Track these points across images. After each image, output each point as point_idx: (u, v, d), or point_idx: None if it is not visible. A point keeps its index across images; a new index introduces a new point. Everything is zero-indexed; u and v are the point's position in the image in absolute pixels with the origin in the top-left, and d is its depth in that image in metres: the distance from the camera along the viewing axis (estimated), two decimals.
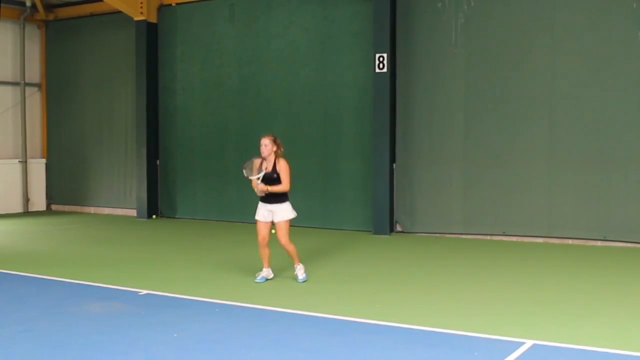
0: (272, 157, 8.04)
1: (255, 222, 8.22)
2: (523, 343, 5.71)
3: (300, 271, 8.31)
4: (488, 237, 11.78)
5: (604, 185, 10.91)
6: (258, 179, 7.95)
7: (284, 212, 8.04)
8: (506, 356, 5.39)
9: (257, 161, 8.07)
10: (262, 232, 8.14)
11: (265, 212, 8.10)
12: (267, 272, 8.37)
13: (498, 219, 11.71)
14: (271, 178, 7.98)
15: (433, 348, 5.69)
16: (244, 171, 8.11)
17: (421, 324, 6.36)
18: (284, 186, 8.00)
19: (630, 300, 7.36)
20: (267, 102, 13.94)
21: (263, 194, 7.98)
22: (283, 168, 8.00)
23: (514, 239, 11.57)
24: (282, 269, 9.01)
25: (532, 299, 7.43)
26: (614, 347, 5.58)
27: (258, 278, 8.30)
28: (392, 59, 12.21)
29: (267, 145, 7.98)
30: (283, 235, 8.04)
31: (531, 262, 9.71)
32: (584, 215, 11.06)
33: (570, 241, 11.20)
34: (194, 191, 14.95)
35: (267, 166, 8.02)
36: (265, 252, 8.27)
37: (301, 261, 8.44)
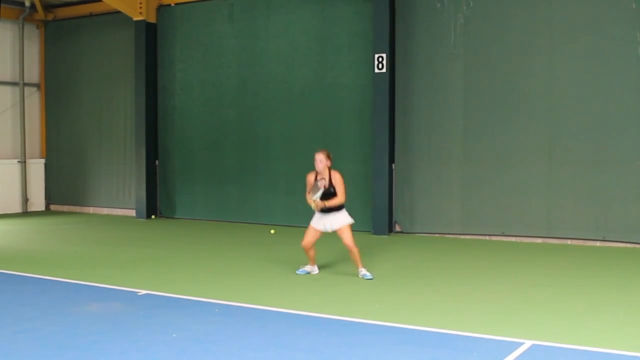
0: (327, 171, 8.28)
1: (308, 226, 8.51)
2: (522, 343, 5.71)
3: (364, 271, 8.50)
4: (487, 238, 11.79)
5: (603, 186, 10.92)
6: (315, 199, 8.20)
7: (342, 219, 8.33)
8: (505, 356, 5.39)
9: (311, 176, 8.32)
10: (309, 236, 8.41)
11: (324, 222, 8.35)
12: (311, 268, 8.71)
13: (497, 219, 11.72)
14: (329, 192, 8.23)
15: (432, 348, 5.69)
16: (312, 196, 8.26)
17: (420, 324, 6.36)
18: (340, 198, 8.26)
19: (629, 300, 7.37)
20: (266, 102, 13.94)
21: (319, 209, 8.24)
22: (339, 181, 8.25)
23: (513, 239, 11.58)
24: (281, 270, 9.02)
25: (531, 299, 7.44)
26: (613, 348, 5.59)
27: (300, 270, 8.65)
28: (391, 59, 12.22)
29: (322, 160, 8.23)
30: (349, 239, 8.28)
31: (530, 262, 9.72)
32: (583, 215, 11.07)
33: (569, 241, 11.21)
34: (193, 191, 14.94)
35: (324, 182, 8.26)
36: (311, 254, 8.56)
37: (364, 265, 8.62)
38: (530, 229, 11.46)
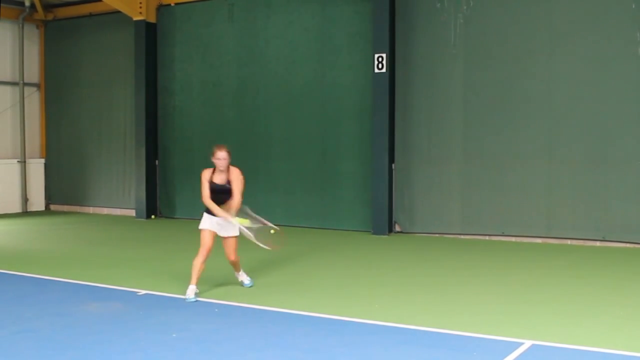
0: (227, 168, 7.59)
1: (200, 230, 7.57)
2: (522, 343, 5.71)
3: (245, 277, 8.00)
4: (487, 238, 11.79)
5: (602, 186, 10.92)
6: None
7: (234, 227, 7.51)
8: (505, 356, 5.39)
9: (207, 173, 7.62)
10: (208, 242, 7.47)
11: (214, 224, 7.49)
12: (195, 289, 7.43)
13: (497, 219, 11.71)
14: (223, 190, 7.52)
15: (432, 348, 5.69)
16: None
17: (420, 324, 6.36)
18: (236, 199, 7.48)
19: (629, 300, 7.37)
20: (265, 103, 13.94)
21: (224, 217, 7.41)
22: (236, 178, 7.54)
23: (513, 239, 11.58)
24: (281, 270, 9.01)
25: (531, 299, 7.44)
26: (613, 348, 5.59)
27: (190, 298, 7.32)
28: (391, 59, 12.21)
29: (225, 158, 7.49)
30: (234, 251, 7.62)
31: (530, 262, 9.72)
32: (583, 215, 11.07)
33: (569, 241, 11.21)
34: (193, 191, 14.87)
35: (220, 178, 7.55)
36: (202, 267, 7.47)
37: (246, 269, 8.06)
38: (530, 229, 11.46)
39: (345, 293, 7.81)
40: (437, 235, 12.20)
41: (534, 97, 11.36)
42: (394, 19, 12.27)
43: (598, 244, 10.97)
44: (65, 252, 10.86)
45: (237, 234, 7.56)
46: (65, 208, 16.94)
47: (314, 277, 8.64)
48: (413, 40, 12.26)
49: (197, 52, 14.79)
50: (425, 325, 6.33)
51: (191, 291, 7.37)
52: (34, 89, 17.03)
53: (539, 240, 11.41)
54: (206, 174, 7.62)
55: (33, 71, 16.99)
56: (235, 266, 7.97)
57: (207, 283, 8.38)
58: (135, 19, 14.94)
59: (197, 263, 7.45)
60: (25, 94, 16.70)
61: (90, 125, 16.40)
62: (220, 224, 7.51)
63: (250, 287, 7.98)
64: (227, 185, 7.53)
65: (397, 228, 12.50)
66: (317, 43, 13.30)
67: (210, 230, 7.50)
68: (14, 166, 16.46)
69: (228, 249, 7.63)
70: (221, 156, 7.51)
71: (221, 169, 7.55)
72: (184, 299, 7.33)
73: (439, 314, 6.81)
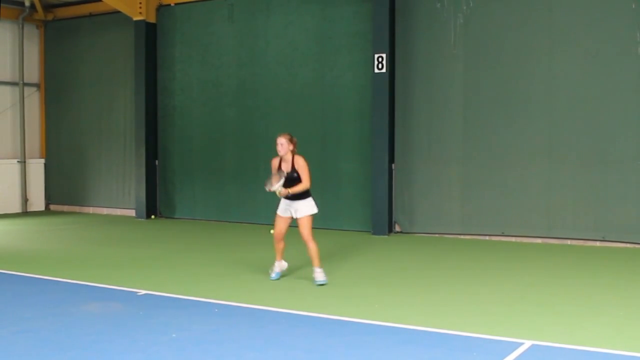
0: (290, 156, 8.08)
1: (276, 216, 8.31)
2: (522, 343, 5.71)
3: (319, 274, 8.13)
4: (487, 238, 11.79)
5: (602, 186, 10.92)
6: (274, 190, 8.08)
7: (305, 207, 8.09)
8: (505, 356, 5.39)
9: (275, 161, 8.17)
10: (279, 226, 8.24)
11: (285, 208, 8.19)
12: (279, 265, 8.43)
13: (497, 220, 11.71)
14: (292, 178, 8.03)
15: (432, 348, 5.69)
16: (265, 187, 8.20)
17: (420, 324, 6.36)
18: (304, 184, 8.04)
19: (629, 300, 7.37)
20: (265, 103, 13.94)
21: (284, 196, 8.13)
22: (302, 166, 8.03)
23: (513, 239, 11.58)
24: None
25: (531, 299, 7.44)
26: (613, 348, 5.58)
27: (273, 275, 8.39)
28: (391, 59, 12.21)
29: (283, 144, 8.03)
30: (306, 231, 8.05)
31: (530, 262, 9.72)
32: (583, 215, 11.07)
33: (569, 242, 11.21)
34: (193, 191, 14.94)
35: (286, 166, 8.07)
36: (279, 246, 8.36)
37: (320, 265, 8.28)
38: (530, 229, 11.45)
39: (345, 293, 7.81)
40: (437, 235, 12.20)
41: (534, 97, 11.36)
42: (394, 19, 12.28)
43: (598, 244, 10.97)
44: (65, 252, 10.86)
45: (309, 213, 8.06)
46: (65, 208, 16.95)
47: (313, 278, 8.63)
48: (413, 40, 12.26)
49: (197, 52, 14.79)
50: (425, 325, 6.33)
51: (274, 267, 8.39)
52: (34, 89, 17.03)
53: (539, 240, 11.41)
54: (274, 162, 8.24)
55: (33, 71, 16.99)
56: (311, 254, 8.13)
57: (208, 283, 8.38)
58: (135, 19, 14.94)
59: (275, 245, 8.37)
60: (25, 94, 16.70)
61: (90, 125, 16.40)
62: (292, 207, 8.10)
63: (320, 285, 8.04)
64: (293, 174, 8.02)
65: (397, 228, 12.50)
66: (317, 43, 13.30)
67: (279, 215, 8.24)
68: (14, 166, 16.47)
69: (300, 231, 8.09)
70: (279, 141, 8.06)
71: (280, 154, 8.06)
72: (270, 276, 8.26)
73: (439, 314, 6.81)
